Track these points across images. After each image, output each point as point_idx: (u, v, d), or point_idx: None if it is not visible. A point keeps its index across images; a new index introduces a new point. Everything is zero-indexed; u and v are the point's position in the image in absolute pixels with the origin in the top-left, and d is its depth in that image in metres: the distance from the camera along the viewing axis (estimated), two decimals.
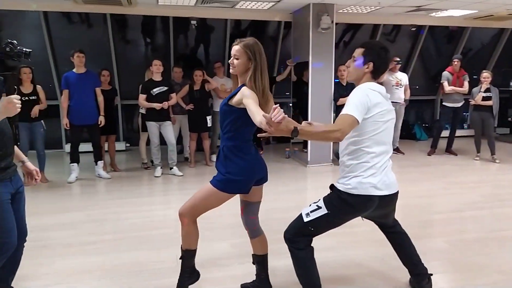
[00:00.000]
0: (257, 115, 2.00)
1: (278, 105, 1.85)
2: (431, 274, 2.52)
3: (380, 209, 2.28)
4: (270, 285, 2.63)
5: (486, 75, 6.38)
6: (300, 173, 5.96)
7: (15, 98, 1.97)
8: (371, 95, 2.15)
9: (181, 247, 2.49)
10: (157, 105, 5.38)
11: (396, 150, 7.15)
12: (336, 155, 6.33)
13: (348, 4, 6.11)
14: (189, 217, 2.41)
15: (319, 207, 2.24)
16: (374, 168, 2.17)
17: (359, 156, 2.18)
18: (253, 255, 2.65)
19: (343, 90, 6.13)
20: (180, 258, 2.52)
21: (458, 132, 7.48)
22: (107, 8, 6.51)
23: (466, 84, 6.67)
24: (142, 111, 5.82)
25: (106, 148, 5.94)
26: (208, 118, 6.24)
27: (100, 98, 5.36)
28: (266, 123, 1.86)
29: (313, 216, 2.23)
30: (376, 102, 2.15)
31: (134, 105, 6.50)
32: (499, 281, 2.71)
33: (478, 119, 6.54)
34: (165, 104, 5.43)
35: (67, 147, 6.43)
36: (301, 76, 6.76)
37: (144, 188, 5.33)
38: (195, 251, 2.49)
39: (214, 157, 6.67)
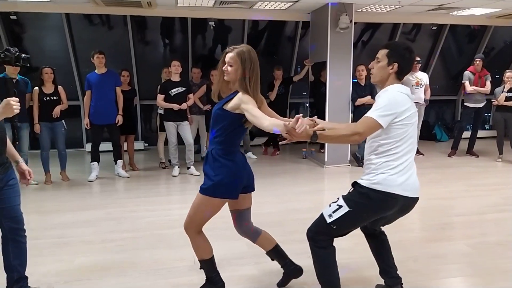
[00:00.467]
0: (264, 120, 2.08)
1: (301, 114, 1.90)
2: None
3: (399, 212, 2.25)
4: (298, 267, 2.70)
5: (509, 75, 6.22)
6: (317, 174, 5.92)
7: (13, 100, 2.11)
8: (401, 99, 2.14)
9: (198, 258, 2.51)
10: (175, 106, 5.45)
11: (416, 151, 7.02)
12: (354, 156, 6.28)
13: (367, 3, 6.04)
14: (192, 230, 2.46)
15: (340, 206, 2.23)
16: (401, 167, 2.15)
17: (387, 156, 2.17)
18: (266, 253, 2.69)
19: (361, 90, 6.07)
20: (200, 268, 2.54)
21: (480, 133, 7.30)
22: (127, 10, 6.63)
23: (488, 84, 6.51)
24: (161, 111, 5.89)
25: (125, 147, 6.04)
26: None
27: (120, 98, 5.45)
28: (286, 131, 1.93)
29: (336, 216, 2.22)
30: (406, 107, 2.13)
31: (152, 105, 6.60)
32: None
33: (500, 119, 6.38)
34: (183, 105, 5.49)
35: (88, 146, 6.58)
36: (319, 76, 6.72)
37: (161, 187, 5.40)
38: (210, 259, 2.51)
39: None
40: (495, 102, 6.39)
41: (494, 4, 6.04)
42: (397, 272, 2.50)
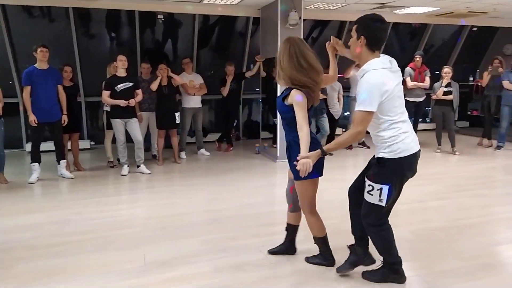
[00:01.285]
0: (304, 126, 2.45)
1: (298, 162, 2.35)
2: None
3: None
4: (294, 250, 3.04)
5: (447, 70, 6.64)
6: (270, 169, 5.98)
7: None
8: (380, 78, 2.26)
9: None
10: (122, 102, 5.25)
11: (362, 144, 7.32)
12: None
13: (316, 1, 6.17)
14: (305, 212, 2.79)
15: (380, 188, 2.38)
16: (406, 128, 2.37)
17: (391, 126, 2.34)
18: (287, 224, 3.02)
19: None
20: (314, 243, 2.86)
21: (420, 126, 7.74)
22: (69, 2, 6.28)
23: (427, 79, 6.90)
24: (107, 108, 5.65)
25: (69, 146, 5.74)
26: (177, 114, 6.14)
27: (63, 97, 5.17)
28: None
29: (384, 197, 2.39)
30: (386, 82, 2.27)
31: (98, 102, 6.30)
32: (460, 267, 2.83)
33: (439, 113, 6.80)
34: (131, 102, 5.30)
35: (28, 146, 6.16)
36: (270, 72, 6.77)
37: (110, 187, 5.19)
38: (323, 238, 2.82)
39: (183, 154, 6.59)
40: (434, 97, 6.80)
41: (433, 3, 6.41)
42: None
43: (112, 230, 3.60)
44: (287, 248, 3.03)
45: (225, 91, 6.80)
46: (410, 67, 6.94)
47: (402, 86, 2.46)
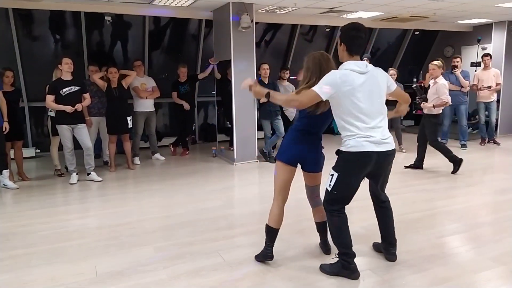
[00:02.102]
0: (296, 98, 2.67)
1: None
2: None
3: (378, 168, 2.67)
4: (328, 248, 3.08)
5: (392, 72, 6.97)
6: (227, 171, 5.96)
7: None
8: (341, 75, 2.49)
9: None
10: (68, 108, 5.00)
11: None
12: (261, 152, 6.46)
13: (267, 4, 6.24)
14: (274, 195, 2.92)
15: (332, 175, 2.66)
16: (362, 131, 2.53)
17: (348, 126, 2.56)
18: (315, 223, 3.09)
19: (265, 88, 6.24)
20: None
21: None
22: (9, 2, 5.90)
23: None
24: (51, 113, 5.37)
25: (12, 155, 5.39)
26: (129, 118, 5.96)
27: (3, 103, 4.85)
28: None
29: (332, 182, 2.64)
30: (344, 80, 2.47)
31: (43, 107, 5.97)
32: (408, 260, 2.97)
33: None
34: (78, 106, 5.07)
35: None
36: (225, 74, 6.76)
37: (58, 197, 4.93)
38: (272, 230, 2.89)
39: (136, 160, 6.41)
40: None
41: (378, 8, 6.71)
42: (395, 237, 2.95)
43: (60, 242, 3.42)
44: (323, 247, 3.12)
45: (175, 99, 6.72)
46: None
47: (374, 92, 2.58)
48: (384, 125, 2.63)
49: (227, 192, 5.04)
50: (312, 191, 3.03)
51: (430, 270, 2.82)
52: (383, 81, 2.68)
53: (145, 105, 6.43)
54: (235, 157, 6.30)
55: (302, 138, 2.84)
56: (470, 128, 8.32)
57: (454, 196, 4.65)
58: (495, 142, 7.67)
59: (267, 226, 2.91)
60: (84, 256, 3.13)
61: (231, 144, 6.65)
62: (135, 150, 6.45)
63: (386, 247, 2.97)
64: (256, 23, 6.59)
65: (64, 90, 5.03)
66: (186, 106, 6.72)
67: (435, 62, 5.80)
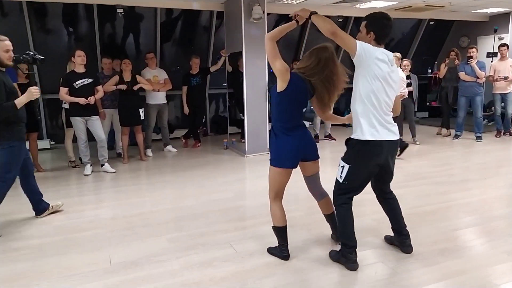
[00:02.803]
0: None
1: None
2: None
3: (390, 157, 2.69)
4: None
5: (406, 63, 6.85)
6: (238, 164, 5.97)
7: (34, 88, 3.42)
8: (374, 50, 2.50)
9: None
10: (82, 100, 5.05)
11: (328, 136, 7.46)
12: None
13: None
14: (270, 198, 2.88)
15: (342, 166, 2.66)
16: (375, 119, 2.55)
17: (363, 112, 2.57)
18: (324, 215, 3.08)
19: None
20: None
21: None
22: None
23: None
24: (66, 105, 5.44)
25: (27, 147, 5.47)
26: (141, 110, 6.00)
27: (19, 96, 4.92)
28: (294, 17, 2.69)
29: (343, 174, 2.65)
30: (377, 57, 2.47)
31: (57, 100, 6.04)
32: (421, 252, 2.94)
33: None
34: (91, 99, 5.12)
35: None
36: (237, 66, 6.74)
37: (72, 188, 5.01)
38: (281, 228, 2.86)
39: (149, 151, 6.47)
40: None
41: None
42: (406, 229, 2.94)
43: (75, 232, 3.48)
44: (334, 236, 3.15)
45: (184, 94, 6.75)
46: None
47: (395, 84, 2.62)
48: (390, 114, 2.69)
49: (238, 184, 5.06)
50: (314, 181, 2.96)
51: (443, 263, 2.80)
52: (399, 82, 2.73)
53: (157, 98, 6.46)
54: (246, 149, 6.30)
55: (291, 134, 2.74)
56: (486, 120, 8.17)
57: (469, 188, 4.57)
58: (511, 134, 7.52)
59: (274, 227, 2.87)
60: (99, 246, 3.19)
61: (243, 136, 6.66)
62: (148, 142, 6.50)
63: (401, 239, 2.96)
64: (268, 14, 6.54)
65: (77, 82, 5.09)
66: (186, 110, 6.77)
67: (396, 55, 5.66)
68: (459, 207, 3.96)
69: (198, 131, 7.47)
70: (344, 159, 2.68)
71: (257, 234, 3.34)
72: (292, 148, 2.72)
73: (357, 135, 2.60)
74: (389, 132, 2.61)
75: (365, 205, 3.66)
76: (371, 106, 2.55)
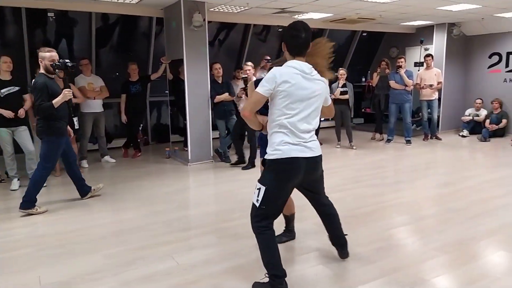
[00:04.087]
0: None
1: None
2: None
3: (308, 173, 2.49)
4: (292, 237, 3.34)
5: (342, 72, 7.20)
6: (181, 172, 5.85)
7: (67, 90, 3.94)
8: (281, 73, 2.35)
9: None
10: (8, 113, 4.70)
11: None
12: (216, 151, 6.41)
13: (219, 3, 6.20)
14: None
15: (258, 189, 2.43)
16: (290, 134, 2.39)
17: (277, 127, 2.41)
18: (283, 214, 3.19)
19: (218, 87, 6.21)
20: None
21: (322, 124, 8.26)
22: None
23: None
24: None
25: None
26: (75, 119, 5.65)
27: None
28: None
29: (260, 197, 2.41)
30: (283, 80, 2.32)
31: None
32: (359, 252, 3.07)
33: (337, 111, 7.33)
34: (21, 113, 4.80)
35: None
36: (178, 74, 6.64)
37: None
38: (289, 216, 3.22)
39: (84, 163, 6.14)
40: (332, 96, 7.31)
41: (327, 9, 6.89)
42: (344, 241, 2.94)
43: (3, 252, 3.19)
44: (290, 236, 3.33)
45: (122, 102, 6.57)
46: None
47: (315, 96, 2.44)
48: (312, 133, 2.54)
49: (182, 193, 4.96)
50: None
51: (379, 262, 2.94)
52: (325, 92, 2.56)
53: (93, 106, 6.16)
54: (189, 158, 6.21)
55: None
56: (414, 125, 8.79)
57: (401, 190, 4.88)
58: (437, 138, 8.16)
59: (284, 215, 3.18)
60: (27, 266, 2.95)
61: (186, 145, 6.55)
62: (83, 153, 6.17)
63: (342, 247, 2.95)
64: (209, 22, 6.53)
65: (2, 90, 4.72)
66: (124, 118, 6.60)
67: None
68: (392, 208, 4.20)
69: (139, 140, 7.22)
70: (260, 180, 2.48)
71: (201, 244, 3.29)
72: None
73: (271, 155, 2.44)
74: (304, 149, 2.44)
75: (306, 209, 3.75)
76: (282, 126, 2.45)
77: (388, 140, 7.82)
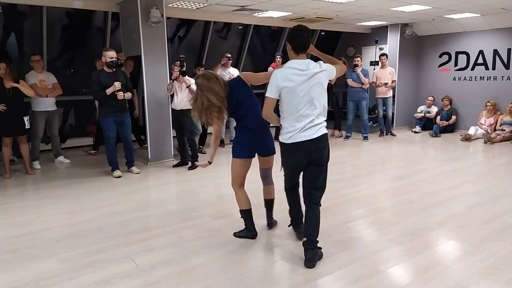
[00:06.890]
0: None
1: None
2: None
3: (307, 156, 2.92)
4: (271, 223, 3.52)
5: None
6: (141, 172, 5.70)
7: (116, 82, 5.00)
8: (282, 74, 2.77)
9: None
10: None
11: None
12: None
13: None
14: (233, 186, 3.29)
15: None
16: (294, 126, 2.82)
17: (283, 119, 2.89)
18: (264, 199, 3.47)
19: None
20: (241, 217, 3.30)
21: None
22: None
23: None
24: None
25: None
26: (26, 118, 5.39)
27: None
28: None
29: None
30: (285, 80, 2.75)
31: None
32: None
33: None
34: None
35: None
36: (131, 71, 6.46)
37: None
38: (246, 211, 3.26)
39: (36, 164, 5.85)
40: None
41: (286, 8, 6.97)
42: (302, 219, 3.23)
43: None
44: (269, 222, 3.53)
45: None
46: (272, 67, 7.42)
47: (312, 88, 2.81)
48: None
49: (141, 193, 4.84)
50: (265, 172, 3.39)
51: (337, 254, 3.03)
52: (325, 76, 2.92)
53: (45, 104, 5.86)
54: (149, 157, 6.07)
55: (249, 129, 3.15)
56: (371, 121, 9.10)
57: (359, 184, 5.04)
58: (392, 134, 8.50)
59: (241, 211, 3.25)
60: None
61: (144, 142, 6.39)
62: (35, 154, 5.87)
63: (297, 227, 3.34)
64: (168, 18, 6.41)
65: None
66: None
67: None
68: (351, 202, 4.33)
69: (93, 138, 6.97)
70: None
71: (161, 244, 3.24)
72: (248, 139, 3.18)
73: (281, 138, 2.92)
74: (302, 136, 2.89)
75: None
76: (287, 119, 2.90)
77: (347, 137, 8.05)
